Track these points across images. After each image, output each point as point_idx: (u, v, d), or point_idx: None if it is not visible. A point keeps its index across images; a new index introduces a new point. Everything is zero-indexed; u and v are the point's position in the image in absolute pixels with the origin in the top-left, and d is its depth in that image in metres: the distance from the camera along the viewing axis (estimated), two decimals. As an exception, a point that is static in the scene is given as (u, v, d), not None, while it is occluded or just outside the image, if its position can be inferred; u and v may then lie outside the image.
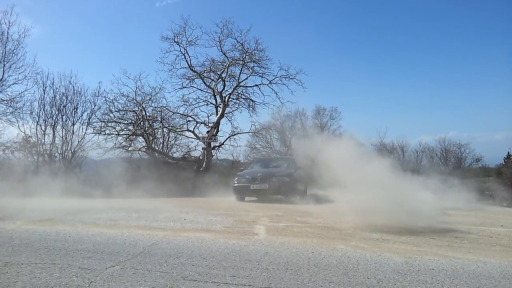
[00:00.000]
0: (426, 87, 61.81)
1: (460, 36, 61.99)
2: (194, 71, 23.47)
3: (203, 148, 22.97)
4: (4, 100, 19.39)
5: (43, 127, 20.34)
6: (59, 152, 20.35)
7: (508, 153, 37.97)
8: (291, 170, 13.24)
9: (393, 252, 5.43)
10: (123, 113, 22.88)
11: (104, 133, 22.04)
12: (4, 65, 19.22)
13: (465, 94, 60.94)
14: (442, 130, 79.22)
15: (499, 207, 15.11)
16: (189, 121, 23.89)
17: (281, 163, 14.91)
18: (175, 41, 22.73)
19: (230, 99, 23.90)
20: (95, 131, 21.76)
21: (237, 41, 23.12)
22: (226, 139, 24.40)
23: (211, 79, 24.05)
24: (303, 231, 6.86)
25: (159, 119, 23.57)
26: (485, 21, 60.01)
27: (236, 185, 12.63)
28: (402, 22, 64.71)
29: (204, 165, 21.99)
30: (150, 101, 23.27)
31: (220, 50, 23.45)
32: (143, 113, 22.83)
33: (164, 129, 23.93)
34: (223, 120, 23.89)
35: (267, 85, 23.71)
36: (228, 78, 24.00)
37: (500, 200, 18.91)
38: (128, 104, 22.84)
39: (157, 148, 23.62)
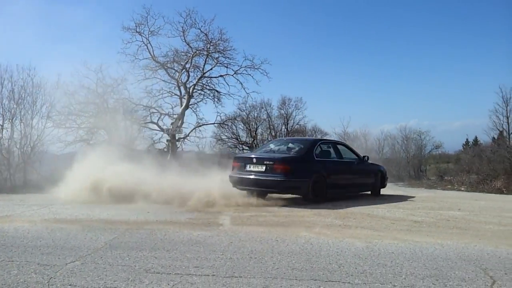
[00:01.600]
0: (388, 76, 63.20)
1: (422, 23, 63.54)
2: (157, 62, 23.09)
3: (167, 140, 22.73)
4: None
5: (0, 122, 19.62)
6: (17, 147, 19.68)
7: (467, 139, 39.42)
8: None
9: (354, 237, 5.55)
10: (84, 105, 22.29)
11: (64, 126, 21.47)
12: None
13: (425, 82, 62.73)
14: (404, 119, 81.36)
15: (457, 192, 15.68)
16: (152, 112, 23.59)
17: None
18: (137, 31, 22.33)
19: (194, 90, 23.72)
20: (55, 125, 21.15)
21: (201, 31, 22.94)
22: (191, 131, 24.28)
23: (174, 70, 23.78)
24: (268, 220, 6.92)
25: (122, 111, 23.11)
26: (446, 7, 61.70)
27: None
28: (365, 8, 65.64)
29: (169, 158, 21.76)
30: (112, 93, 22.75)
31: (183, 40, 23.20)
32: (105, 105, 22.33)
33: (127, 122, 23.51)
34: (188, 112, 23.73)
35: (232, 75, 23.71)
36: (192, 69, 23.82)
37: (458, 185, 19.60)
38: (89, 96, 22.24)
39: (119, 141, 23.19)
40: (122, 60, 26.06)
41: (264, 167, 9.36)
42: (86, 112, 22.31)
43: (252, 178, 9.42)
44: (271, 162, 9.37)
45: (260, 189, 9.52)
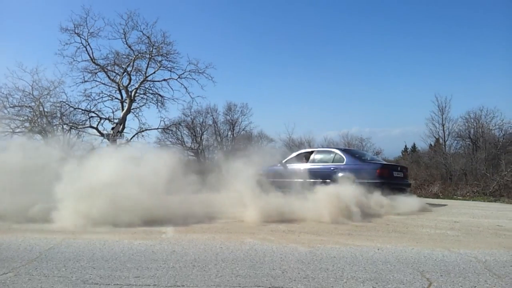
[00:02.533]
0: (331, 83, 64.87)
1: (363, 28, 65.79)
2: (97, 64, 22.46)
3: (107, 146, 22.06)
4: None
5: None
6: None
7: (405, 146, 41.16)
8: None
9: (297, 242, 5.60)
10: (19, 109, 21.33)
11: (-4, 131, 20.35)
12: None
13: (367, 89, 64.85)
14: (346, 125, 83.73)
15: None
16: (92, 117, 22.93)
17: None
18: (75, 33, 21.58)
19: (137, 94, 23.25)
20: (-14, 129, 20.01)
21: (143, 33, 22.56)
22: (134, 136, 23.78)
23: (115, 73, 23.21)
24: (212, 227, 6.85)
25: (59, 115, 22.26)
26: (389, 12, 64.30)
27: None
28: (308, 12, 67.13)
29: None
30: (48, 96, 21.92)
31: (125, 42, 22.71)
32: (41, 108, 21.41)
33: (65, 126, 22.63)
34: (129, 116, 23.21)
35: (176, 79, 23.51)
36: (134, 72, 23.36)
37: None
38: (24, 99, 21.33)
39: (56, 146, 22.20)
40: (59, 62, 25.16)
41: (402, 174, 11.51)
42: (21, 116, 21.30)
43: (398, 183, 11.14)
44: (404, 169, 11.97)
45: (401, 192, 10.82)
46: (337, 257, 4.82)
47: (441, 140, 31.58)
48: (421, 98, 64.02)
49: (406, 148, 41.04)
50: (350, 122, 76.94)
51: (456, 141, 31.34)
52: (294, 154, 13.09)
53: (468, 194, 18.41)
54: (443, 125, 31.20)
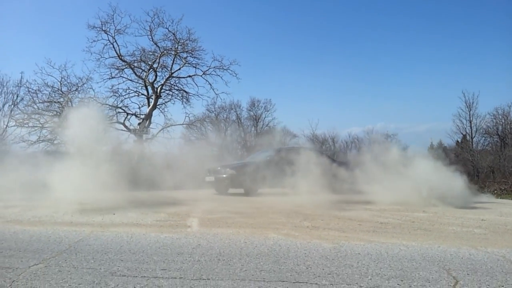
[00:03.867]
0: (356, 78, 64.11)
1: (388, 25, 64.72)
2: (124, 61, 22.75)
3: (134, 141, 22.40)
4: None
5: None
6: (-22, 145, 19.05)
7: (431, 143, 40.51)
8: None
9: (322, 238, 5.60)
10: (48, 104, 21.80)
11: (27, 125, 20.91)
12: None
13: (393, 85, 63.88)
14: (371, 121, 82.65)
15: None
16: (119, 112, 23.26)
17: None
18: (102, 30, 21.92)
19: (162, 90, 23.47)
20: (17, 124, 20.57)
21: (168, 30, 22.73)
22: (159, 131, 23.97)
23: (142, 69, 23.45)
24: (236, 222, 6.90)
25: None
26: (411, 9, 63.16)
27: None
28: (333, 9, 66.41)
29: (136, 158, 21.44)
30: (76, 92, 22.38)
31: (151, 39, 22.94)
32: (69, 104, 21.85)
33: (92, 121, 22.98)
34: (155, 112, 23.49)
35: (201, 76, 23.58)
36: (160, 69, 23.56)
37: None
38: (53, 95, 21.82)
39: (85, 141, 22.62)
40: (87, 58, 25.63)
41: None
42: (50, 111, 21.79)
43: None
44: None
45: None
46: (362, 253, 4.80)
47: (468, 137, 31.02)
48: (448, 94, 62.72)
49: (432, 145, 40.41)
50: (375, 118, 75.88)
51: (483, 138, 30.76)
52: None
53: (495, 192, 18.03)
54: (470, 122, 30.65)
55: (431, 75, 61.86)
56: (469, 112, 30.51)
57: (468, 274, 4.06)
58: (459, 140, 32.11)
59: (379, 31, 63.83)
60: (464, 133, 31.36)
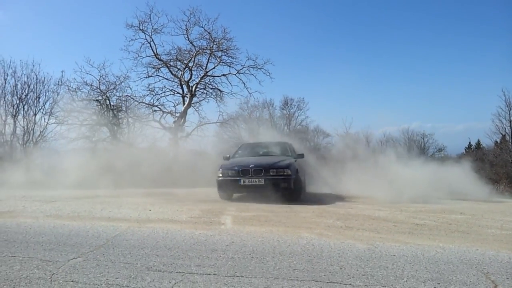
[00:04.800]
0: (390, 77, 63.11)
1: (424, 24, 63.43)
2: (160, 60, 23.14)
3: (169, 139, 22.73)
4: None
5: (3, 117, 19.70)
6: (20, 142, 19.76)
7: (469, 143, 39.43)
8: (291, 160, 10.38)
9: (356, 239, 5.54)
10: (87, 102, 22.45)
11: (67, 123, 21.56)
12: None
13: (428, 84, 62.66)
14: (406, 121, 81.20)
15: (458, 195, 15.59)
16: (155, 110, 23.66)
17: (275, 149, 11.86)
18: (140, 29, 22.33)
19: (197, 89, 23.73)
20: (57, 121, 21.25)
21: (204, 29, 22.93)
22: (194, 129, 24.26)
23: (177, 68, 23.80)
24: (269, 220, 6.91)
25: (124, 109, 23.22)
26: (449, 8, 61.57)
27: (220, 179, 9.75)
28: (368, 9, 65.57)
29: (171, 156, 21.78)
30: (114, 90, 22.93)
31: (187, 38, 23.21)
32: (107, 102, 22.43)
33: (129, 119, 23.55)
34: (190, 110, 23.75)
35: (235, 74, 23.69)
36: (195, 68, 23.81)
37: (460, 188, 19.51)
38: (92, 93, 22.45)
39: (122, 139, 23.26)
40: (125, 57, 26.20)
41: None
42: (89, 109, 22.41)
43: None
44: None
45: None
46: (397, 255, 4.72)
47: (507, 137, 29.92)
48: (487, 92, 60.95)
49: (470, 145, 39.31)
50: (411, 117, 74.67)
51: (524, 138, 29.58)
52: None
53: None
54: (510, 121, 29.55)
55: (470, 74, 60.24)
56: (509, 111, 29.44)
57: (507, 278, 3.94)
58: (498, 140, 31.08)
59: (413, 30, 62.63)
60: (503, 133, 30.30)
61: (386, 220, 7.19)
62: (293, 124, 36.39)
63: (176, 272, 3.88)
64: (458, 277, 3.94)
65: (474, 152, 35.10)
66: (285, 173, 9.38)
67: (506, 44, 57.33)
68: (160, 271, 3.92)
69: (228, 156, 11.43)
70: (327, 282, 3.68)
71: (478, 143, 38.50)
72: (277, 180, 9.31)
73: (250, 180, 9.34)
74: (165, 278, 3.70)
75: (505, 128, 30.03)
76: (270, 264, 4.22)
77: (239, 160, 10.61)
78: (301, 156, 11.29)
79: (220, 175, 9.72)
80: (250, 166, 9.49)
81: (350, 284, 3.64)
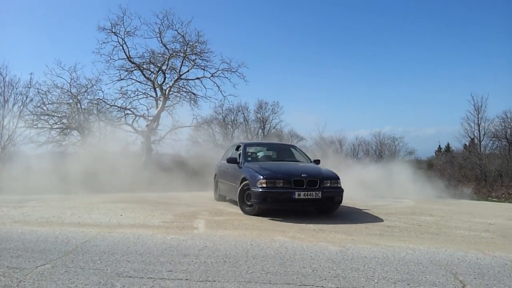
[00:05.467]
0: (364, 81, 64.00)
1: (396, 28, 64.60)
2: (133, 63, 22.83)
3: (142, 142, 22.47)
4: None
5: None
6: (-13, 146, 19.23)
7: (439, 146, 40.32)
8: (320, 168, 8.85)
9: (328, 241, 5.59)
10: (57, 105, 22.01)
11: (36, 126, 21.07)
12: None
13: (400, 88, 63.78)
14: (378, 125, 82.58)
15: (429, 198, 15.96)
16: (127, 114, 23.33)
17: (288, 153, 10.23)
18: (112, 32, 21.95)
19: (171, 92, 23.52)
20: (26, 125, 20.74)
21: (178, 32, 22.75)
22: (167, 133, 24.03)
23: (150, 71, 23.54)
24: (243, 224, 6.90)
25: (95, 112, 22.80)
26: (422, 13, 62.95)
27: (263, 190, 7.55)
28: (342, 12, 66.48)
29: (143, 160, 21.53)
30: (85, 93, 22.53)
31: (160, 41, 22.98)
32: (78, 105, 22.02)
33: (101, 123, 23.16)
34: (163, 114, 23.50)
35: (209, 78, 23.61)
36: (169, 71, 23.61)
37: (430, 191, 19.98)
38: (62, 97, 21.98)
39: (93, 142, 22.83)
40: (96, 60, 25.76)
41: None
42: (59, 112, 21.96)
43: None
44: None
45: None
46: (368, 257, 4.78)
47: (476, 140, 30.78)
48: (457, 97, 62.56)
49: (439, 148, 40.19)
50: (383, 121, 75.85)
51: (491, 142, 30.51)
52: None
53: (503, 195, 17.92)
54: (478, 125, 30.41)
55: (440, 78, 61.73)
56: (478, 115, 30.28)
57: (475, 278, 4.03)
58: (467, 143, 31.90)
59: (387, 34, 63.81)
60: (472, 136, 31.14)
61: (357, 222, 7.28)
62: (267, 127, 36.50)
63: (147, 278, 3.83)
64: (428, 277, 4.01)
65: (444, 155, 35.90)
66: (337, 185, 8.00)
67: (476, 48, 59.05)
68: (131, 277, 3.85)
69: (235, 158, 9.26)
70: (300, 285, 3.69)
71: (448, 146, 39.38)
72: (333, 192, 7.86)
73: (305, 193, 7.49)
74: (135, 284, 3.64)
75: (473, 132, 30.88)
76: (243, 268, 4.20)
77: (270, 166, 8.48)
78: (318, 162, 9.75)
79: (263, 185, 7.54)
80: (303, 176, 7.66)
81: (322, 286, 3.65)
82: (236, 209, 8.57)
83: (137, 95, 23.49)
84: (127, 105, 23.20)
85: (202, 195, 12.10)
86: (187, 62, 23.52)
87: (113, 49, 22.34)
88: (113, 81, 22.89)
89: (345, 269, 4.23)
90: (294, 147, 11.14)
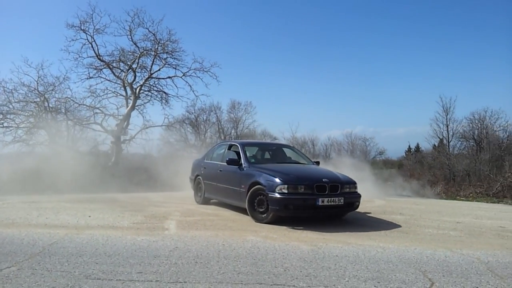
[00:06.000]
0: (337, 82, 64.79)
1: (367, 28, 65.64)
2: (102, 61, 22.38)
3: (111, 142, 22.09)
4: None
5: None
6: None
7: (409, 146, 41.17)
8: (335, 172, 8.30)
9: (300, 241, 5.61)
10: (24, 104, 21.39)
11: (2, 125, 20.48)
12: None
13: (372, 89, 64.91)
14: (350, 125, 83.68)
15: (399, 197, 16.27)
16: (96, 113, 22.84)
17: (288, 154, 9.60)
18: (81, 29, 21.44)
19: (141, 91, 23.18)
20: (-8, 124, 20.14)
21: (148, 31, 22.42)
22: (137, 133, 23.72)
23: (120, 69, 23.13)
24: (215, 224, 6.85)
25: (63, 111, 22.29)
26: (392, 13, 64.06)
27: (283, 196, 6.79)
28: (312, 12, 67.05)
29: (113, 159, 21.17)
30: (53, 92, 21.99)
31: (130, 39, 22.58)
32: (46, 104, 21.47)
33: (69, 122, 22.66)
34: (134, 113, 23.19)
35: (181, 77, 23.38)
36: (139, 69, 23.27)
37: (400, 190, 20.38)
38: (29, 95, 21.40)
39: (61, 142, 22.32)
40: (65, 58, 25.17)
41: None
42: (26, 111, 21.39)
43: None
44: None
45: None
46: (340, 256, 4.82)
47: (445, 141, 31.63)
48: (426, 98, 64.08)
49: (409, 148, 41.05)
50: (355, 122, 77.03)
51: (460, 142, 31.42)
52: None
53: (471, 195, 18.40)
54: (447, 126, 31.27)
55: (410, 79, 63.03)
56: (446, 116, 31.13)
57: (443, 276, 4.11)
58: (436, 144, 32.70)
59: (359, 34, 64.78)
60: (441, 137, 31.99)
61: (329, 221, 7.33)
62: (240, 127, 36.51)
63: (116, 279, 3.75)
64: (397, 275, 4.07)
65: (414, 155, 36.67)
66: (356, 190, 7.56)
67: (444, 51, 60.54)
68: (99, 279, 3.77)
69: (235, 159, 8.36)
70: (271, 285, 3.68)
71: (417, 147, 40.27)
72: (353, 198, 7.39)
73: (329, 199, 6.93)
74: (104, 286, 3.56)
75: (442, 132, 31.75)
76: (215, 269, 4.17)
77: (284, 169, 7.77)
78: (318, 163, 9.37)
79: (284, 190, 6.82)
80: (324, 181, 7.09)
81: (294, 286, 3.66)
82: (213, 210, 8.51)
83: (107, 93, 23.05)
84: (96, 104, 22.74)
85: (173, 196, 11.95)
86: (158, 61, 23.27)
87: (82, 46, 21.85)
88: (81, 80, 22.38)
89: (316, 268, 4.25)
90: (292, 147, 10.67)
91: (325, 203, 6.86)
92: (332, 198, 6.94)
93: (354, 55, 65.56)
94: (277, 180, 6.98)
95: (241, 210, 8.19)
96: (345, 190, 7.24)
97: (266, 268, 4.24)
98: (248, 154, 8.58)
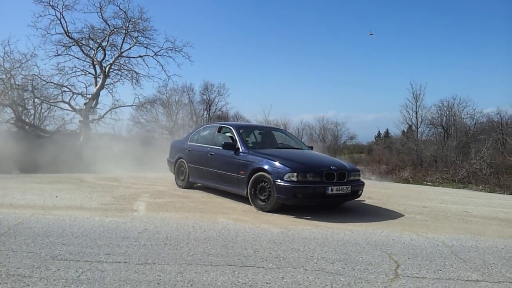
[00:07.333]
0: (310, 66, 64.96)
1: (342, 13, 65.84)
2: (71, 38, 21.69)
3: (80, 121, 21.60)
4: None
5: None
6: None
7: (379, 131, 41.90)
8: (339, 159, 8.36)
9: (270, 223, 5.65)
10: (-12, 81, 20.63)
11: (-35, 103, 19.75)
12: None
13: (344, 74, 65.41)
14: (322, 110, 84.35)
15: (368, 181, 16.53)
16: (64, 91, 22.24)
17: (284, 139, 9.11)
18: (49, 5, 20.68)
19: (111, 70, 22.66)
20: (-45, 102, 19.38)
21: (119, 8, 21.84)
22: (107, 112, 23.27)
23: (90, 47, 22.50)
24: (185, 206, 6.82)
25: (30, 89, 21.60)
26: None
27: (293, 185, 6.40)
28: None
29: (81, 139, 20.74)
30: (20, 69, 21.20)
31: (100, 17, 21.93)
32: (12, 81, 20.75)
33: (36, 100, 22.02)
34: (103, 92, 22.67)
35: (152, 56, 22.96)
36: (109, 47, 22.70)
37: (369, 174, 20.74)
38: (-5, 72, 20.61)
39: (27, 120, 21.72)
40: (32, 34, 24.31)
41: None
42: (-9, 88, 20.65)
43: None
44: None
45: None
46: (309, 238, 4.88)
47: (413, 127, 32.36)
48: (397, 84, 65.06)
49: (379, 134, 41.81)
50: (327, 106, 77.69)
51: (428, 128, 32.26)
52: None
53: (437, 180, 18.88)
54: (416, 112, 32.01)
55: (382, 65, 63.76)
56: (416, 103, 31.85)
57: (409, 258, 4.22)
58: (405, 130, 33.41)
59: (332, 18, 64.89)
60: (410, 123, 32.73)
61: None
62: (213, 109, 36.34)
63: (84, 261, 3.69)
64: (364, 257, 4.16)
65: (383, 140, 37.36)
66: (359, 178, 7.40)
67: (416, 38, 61.33)
68: (66, 260, 3.71)
69: (231, 143, 7.78)
70: (241, 266, 3.70)
71: (387, 132, 41.09)
72: (359, 186, 7.19)
73: (338, 187, 6.66)
74: (71, 267, 3.50)
75: (411, 119, 32.50)
76: (184, 250, 4.16)
77: (289, 155, 7.39)
78: (311, 148, 8.94)
79: (293, 178, 6.44)
80: (332, 168, 6.79)
81: (263, 267, 3.69)
82: (184, 192, 8.45)
83: (75, 71, 22.40)
84: (64, 82, 22.10)
85: (143, 177, 11.80)
86: (129, 39, 22.73)
87: (50, 23, 21.09)
88: (49, 57, 21.66)
89: (285, 250, 4.30)
90: (285, 131, 10.24)
91: (334, 191, 6.62)
92: (340, 187, 6.71)
93: (326, 39, 65.87)
94: (286, 167, 6.62)
95: (214, 192, 8.20)
96: (351, 178, 7.02)
97: (236, 250, 4.26)
98: (244, 135, 8.15)
